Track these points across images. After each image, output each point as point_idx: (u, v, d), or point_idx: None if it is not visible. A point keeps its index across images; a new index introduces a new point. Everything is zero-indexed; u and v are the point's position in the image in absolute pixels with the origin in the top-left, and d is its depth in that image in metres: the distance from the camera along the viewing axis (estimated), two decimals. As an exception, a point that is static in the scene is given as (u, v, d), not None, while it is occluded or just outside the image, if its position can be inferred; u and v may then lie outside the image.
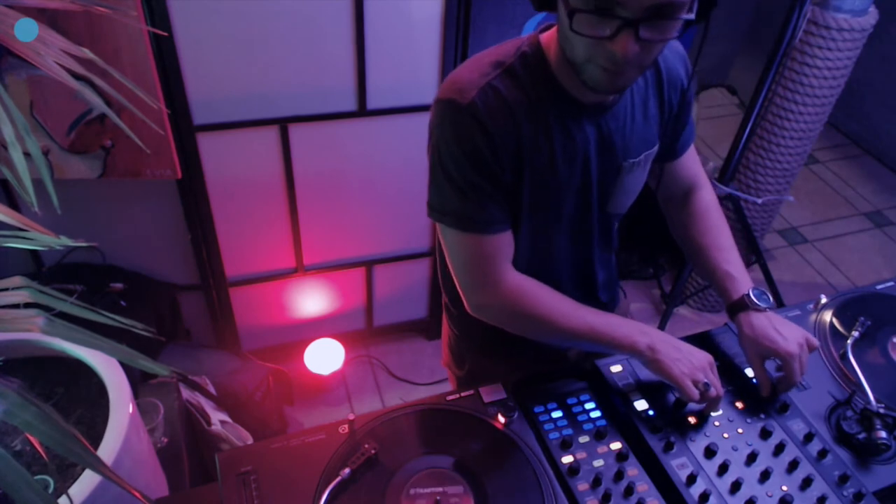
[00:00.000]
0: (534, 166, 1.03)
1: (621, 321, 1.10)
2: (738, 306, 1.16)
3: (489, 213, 1.03)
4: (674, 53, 1.13)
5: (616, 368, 1.19)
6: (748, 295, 1.15)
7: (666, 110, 1.15)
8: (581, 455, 1.06)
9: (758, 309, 1.14)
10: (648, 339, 1.07)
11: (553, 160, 1.04)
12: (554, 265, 1.19)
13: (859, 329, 1.27)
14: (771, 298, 1.17)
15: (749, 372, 1.20)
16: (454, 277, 1.12)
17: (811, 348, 1.13)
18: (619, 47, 0.85)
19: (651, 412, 1.12)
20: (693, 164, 1.29)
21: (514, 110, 0.99)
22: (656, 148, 1.17)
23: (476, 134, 0.97)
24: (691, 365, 1.06)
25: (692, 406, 1.11)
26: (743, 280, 1.18)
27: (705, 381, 1.05)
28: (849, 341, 1.24)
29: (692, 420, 1.12)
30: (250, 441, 1.88)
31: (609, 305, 1.37)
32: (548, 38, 1.01)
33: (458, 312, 1.28)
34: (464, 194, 1.02)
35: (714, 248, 1.22)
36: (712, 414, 1.11)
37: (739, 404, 1.14)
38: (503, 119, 0.98)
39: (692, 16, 0.87)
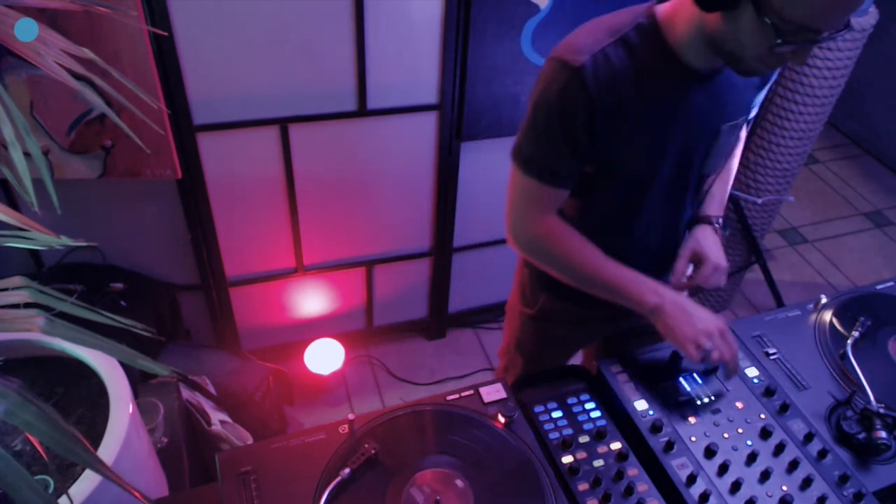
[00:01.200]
0: (634, 130, 1.10)
1: (638, 278, 1.18)
2: (703, 220, 1.31)
3: (557, 166, 1.14)
4: None
5: (616, 368, 1.19)
6: (717, 218, 1.32)
7: (760, 77, 1.21)
8: (581, 455, 1.06)
9: (716, 231, 1.30)
10: (659, 299, 1.14)
11: (657, 123, 1.11)
12: (644, 225, 1.27)
13: (859, 329, 1.27)
14: (727, 231, 1.29)
15: (749, 372, 1.20)
16: (506, 206, 1.23)
17: (718, 285, 1.27)
18: (800, 58, 0.96)
19: (651, 412, 1.12)
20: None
21: (620, 78, 1.06)
22: (751, 113, 1.25)
23: (578, 96, 1.05)
24: (696, 329, 1.11)
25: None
26: (719, 207, 1.34)
27: (709, 344, 1.10)
28: (849, 341, 1.24)
29: (692, 420, 1.12)
30: (250, 441, 1.88)
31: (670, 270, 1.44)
32: (666, 12, 1.07)
33: None
34: (542, 144, 1.12)
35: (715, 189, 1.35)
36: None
37: (739, 404, 1.14)
38: (607, 85, 1.05)
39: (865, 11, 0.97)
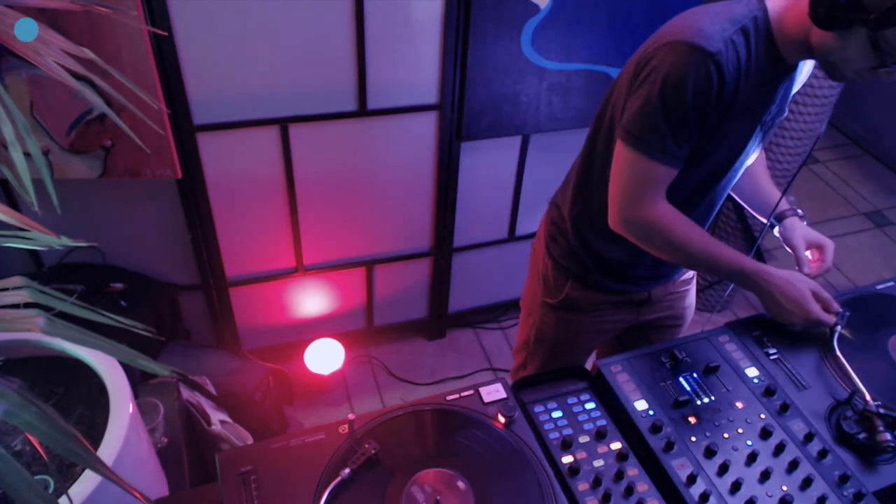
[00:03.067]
0: (739, 116, 1.15)
1: (746, 259, 1.26)
2: (786, 215, 1.42)
3: (678, 146, 1.15)
4: None
5: (616, 368, 1.19)
6: (796, 209, 1.43)
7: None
8: (581, 455, 1.06)
9: (802, 219, 1.41)
10: (770, 277, 1.24)
11: (754, 112, 1.18)
12: (701, 212, 1.34)
13: (841, 322, 1.26)
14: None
15: (749, 372, 1.20)
16: (613, 191, 1.23)
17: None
18: (891, 76, 1.03)
19: (651, 412, 1.12)
20: None
21: (741, 66, 1.10)
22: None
23: (713, 80, 1.08)
24: (809, 296, 1.24)
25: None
26: (785, 201, 1.43)
27: (836, 308, 1.25)
28: (834, 336, 1.24)
29: (692, 420, 1.12)
30: (250, 441, 1.88)
31: None
32: (777, 9, 1.11)
33: (576, 243, 1.42)
34: (669, 126, 1.13)
35: (763, 177, 1.47)
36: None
37: (739, 404, 1.14)
38: (734, 72, 1.09)
39: None
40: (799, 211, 1.42)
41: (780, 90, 1.19)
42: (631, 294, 1.46)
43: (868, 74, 1.06)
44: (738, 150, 1.23)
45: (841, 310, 1.26)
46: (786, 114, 1.30)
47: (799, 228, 1.40)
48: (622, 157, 1.19)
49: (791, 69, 1.17)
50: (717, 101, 1.10)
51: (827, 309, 1.25)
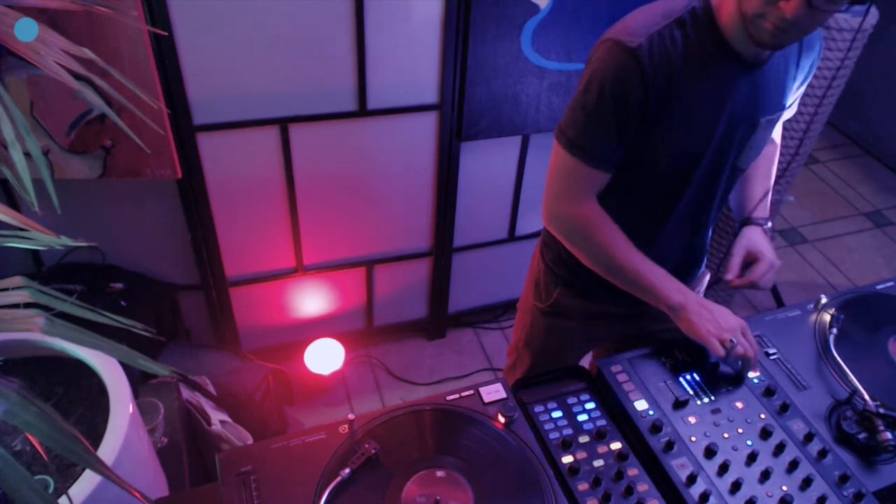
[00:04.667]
0: (683, 113, 1.11)
1: (666, 277, 1.21)
2: (753, 222, 1.35)
3: (602, 148, 1.14)
4: None
5: (616, 368, 1.19)
6: (766, 220, 1.36)
7: (799, 76, 1.23)
8: (581, 455, 1.06)
9: (765, 233, 1.35)
10: (683, 298, 1.18)
11: (703, 108, 1.12)
12: (676, 220, 1.28)
13: (836, 325, 1.27)
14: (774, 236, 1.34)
15: (750, 372, 1.20)
16: (546, 186, 1.23)
17: (770, 282, 1.30)
18: (790, 10, 0.95)
19: (651, 412, 1.12)
20: (778, 127, 1.41)
21: (674, 60, 1.07)
22: (785, 110, 1.25)
23: (633, 76, 1.05)
24: (719, 325, 1.15)
25: (725, 368, 1.18)
26: (763, 209, 1.38)
27: (732, 339, 1.14)
28: (830, 337, 1.24)
29: (692, 420, 1.12)
30: (250, 441, 1.88)
31: (699, 269, 1.46)
32: None
33: (559, 251, 1.38)
34: (590, 124, 1.12)
35: (755, 178, 1.39)
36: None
37: (739, 404, 1.14)
38: (661, 67, 1.06)
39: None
40: (768, 224, 1.37)
41: (739, 88, 1.12)
42: (625, 306, 1.39)
43: (772, 16, 0.98)
44: (695, 157, 1.16)
45: (733, 358, 1.17)
46: (788, 113, 1.26)
47: (748, 237, 1.33)
48: (554, 151, 1.20)
49: (751, 64, 1.11)
50: (642, 98, 1.07)
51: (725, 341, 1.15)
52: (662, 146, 1.14)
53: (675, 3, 1.10)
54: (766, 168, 1.42)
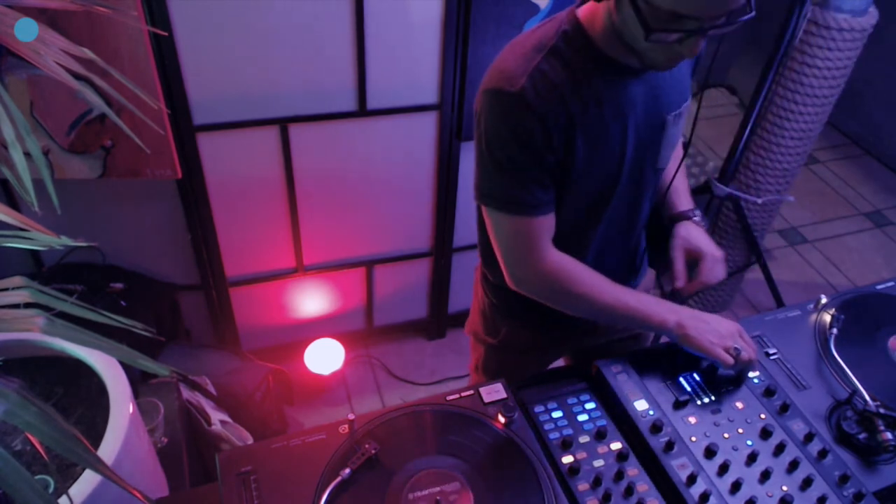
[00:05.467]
0: (588, 136, 1.06)
1: (652, 300, 1.17)
2: (681, 217, 1.28)
3: (534, 196, 1.08)
4: None
5: (616, 368, 1.19)
6: (693, 211, 1.29)
7: (692, 62, 1.18)
8: (581, 455, 1.06)
9: (698, 224, 1.27)
10: (677, 316, 1.15)
11: (606, 125, 1.07)
12: (606, 231, 1.23)
13: (836, 325, 1.27)
14: (707, 223, 1.27)
15: (750, 372, 1.20)
16: (497, 253, 1.18)
17: (719, 276, 1.24)
18: (689, 50, 0.93)
19: (651, 412, 1.12)
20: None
21: (561, 89, 1.02)
22: (690, 100, 1.22)
23: (526, 119, 1.01)
24: (719, 334, 1.13)
25: (725, 371, 1.16)
26: (688, 201, 1.31)
27: (735, 346, 1.12)
28: (830, 338, 1.24)
29: (692, 420, 1.12)
30: (250, 441, 1.88)
31: (641, 271, 1.43)
32: (586, 12, 1.04)
33: (498, 281, 1.30)
34: (511, 178, 1.07)
35: (669, 171, 1.31)
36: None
37: (739, 404, 1.14)
38: (552, 100, 1.02)
39: (752, 14, 0.92)
40: (696, 213, 1.28)
41: (635, 94, 1.08)
42: (575, 325, 1.31)
43: (665, 51, 0.95)
44: (615, 171, 1.13)
45: (740, 365, 1.14)
46: (678, 111, 1.18)
47: (682, 236, 1.25)
48: (489, 218, 1.15)
49: (640, 70, 1.06)
50: (544, 137, 1.02)
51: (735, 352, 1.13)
52: (582, 171, 1.09)
53: (543, 32, 1.05)
54: (676, 160, 1.34)
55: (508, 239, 1.15)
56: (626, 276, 1.38)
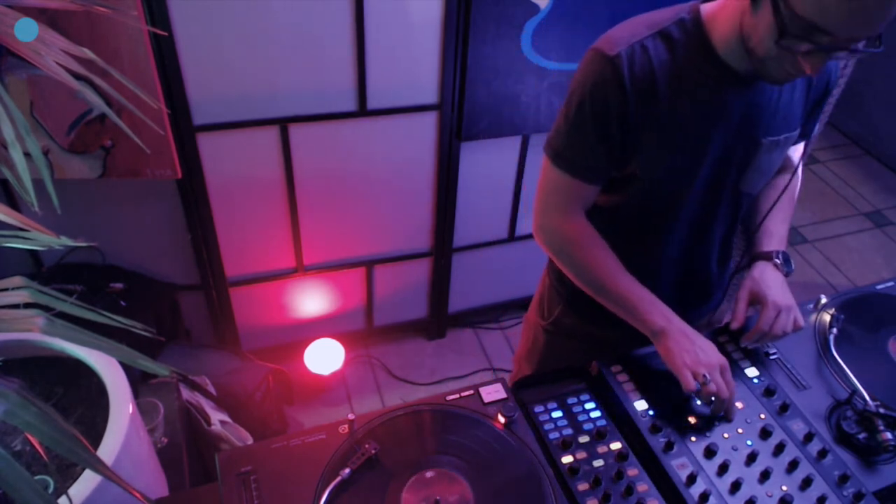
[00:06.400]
0: (666, 129, 1.06)
1: (652, 300, 1.15)
2: (760, 257, 1.24)
3: (586, 161, 1.11)
4: None
5: (616, 368, 1.19)
6: (777, 253, 1.23)
7: (812, 95, 1.17)
8: (581, 455, 1.06)
9: (777, 268, 1.22)
10: (666, 323, 1.12)
11: (690, 124, 1.07)
12: (673, 242, 1.22)
13: (836, 325, 1.27)
14: (792, 266, 1.23)
15: (749, 372, 1.20)
16: (535, 196, 1.21)
17: (796, 327, 1.18)
18: (811, 66, 0.92)
19: (651, 412, 1.12)
20: (794, 150, 1.32)
21: (657, 71, 1.03)
22: (797, 133, 1.18)
23: (609, 85, 1.03)
24: (697, 358, 1.09)
25: (701, 408, 1.12)
26: (779, 242, 1.26)
27: (705, 374, 1.07)
28: (830, 338, 1.24)
29: (692, 420, 1.12)
30: (250, 441, 1.88)
31: (711, 301, 1.39)
32: (710, 10, 1.04)
33: None
34: (572, 137, 1.10)
35: (765, 205, 1.29)
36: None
37: (739, 404, 1.14)
38: (642, 78, 1.03)
39: (881, 48, 0.91)
40: (779, 256, 1.23)
41: (732, 104, 1.06)
42: (626, 334, 1.23)
43: (787, 63, 0.94)
44: (686, 176, 1.11)
45: (704, 396, 1.08)
46: (803, 139, 1.17)
47: (752, 277, 1.20)
48: (543, 164, 1.18)
49: (746, 81, 1.05)
50: (621, 107, 1.03)
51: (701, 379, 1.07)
52: (649, 162, 1.09)
53: (662, 14, 1.07)
54: (779, 195, 1.26)
55: (548, 189, 1.18)
56: (689, 306, 1.30)
